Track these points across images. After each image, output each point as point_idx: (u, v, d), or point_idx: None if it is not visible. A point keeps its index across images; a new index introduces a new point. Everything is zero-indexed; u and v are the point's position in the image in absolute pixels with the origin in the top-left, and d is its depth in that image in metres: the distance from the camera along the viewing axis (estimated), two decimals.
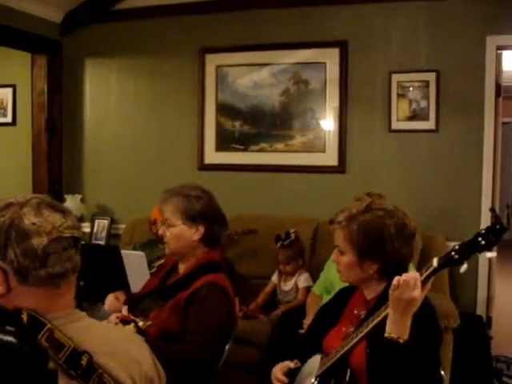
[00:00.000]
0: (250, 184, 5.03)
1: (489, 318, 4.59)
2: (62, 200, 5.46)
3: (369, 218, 2.15)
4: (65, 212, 1.54)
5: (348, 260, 2.20)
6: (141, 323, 2.29)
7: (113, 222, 5.45)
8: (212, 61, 5.09)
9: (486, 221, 4.40)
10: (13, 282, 1.48)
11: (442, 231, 4.36)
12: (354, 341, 2.00)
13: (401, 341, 1.85)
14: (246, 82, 5.00)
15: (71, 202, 5.37)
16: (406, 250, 2.18)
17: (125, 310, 2.49)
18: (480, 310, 4.48)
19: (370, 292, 2.26)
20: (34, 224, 1.46)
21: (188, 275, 2.58)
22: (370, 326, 1.96)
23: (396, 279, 1.84)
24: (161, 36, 5.28)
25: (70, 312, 1.52)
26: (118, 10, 5.38)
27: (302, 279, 4.26)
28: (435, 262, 1.85)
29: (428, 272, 1.86)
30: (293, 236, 4.26)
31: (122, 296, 2.86)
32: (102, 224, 5.47)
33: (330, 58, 4.77)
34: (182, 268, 2.68)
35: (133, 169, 5.43)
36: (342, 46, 4.73)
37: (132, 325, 2.28)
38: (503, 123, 5.08)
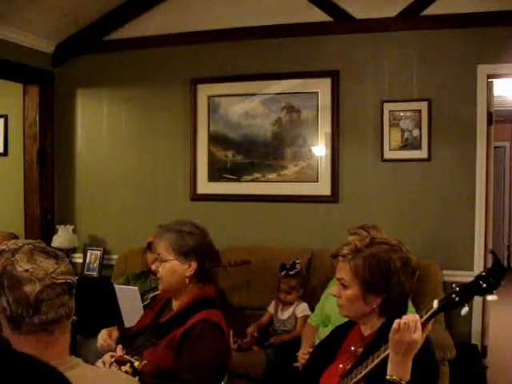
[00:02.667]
0: (242, 214, 5.02)
1: (484, 348, 4.56)
2: (54, 231, 5.43)
3: (374, 251, 2.16)
4: (58, 257, 1.53)
5: (352, 293, 2.20)
6: (136, 363, 2.26)
7: (105, 252, 5.41)
8: (203, 91, 5.10)
9: (479, 250, 4.41)
10: (6, 330, 1.46)
11: (438, 260, 4.35)
12: (354, 380, 1.98)
13: (403, 383, 1.85)
14: (238, 111, 5.01)
15: (63, 232, 5.33)
16: (409, 285, 2.19)
17: (119, 350, 2.45)
18: (475, 339, 4.46)
19: (368, 328, 2.25)
20: (26, 271, 1.45)
21: (182, 312, 2.55)
22: (370, 366, 1.95)
23: (396, 322, 1.84)
24: (152, 66, 5.29)
25: (65, 360, 1.50)
26: (110, 40, 5.40)
27: (301, 309, 4.24)
28: (435, 304, 1.85)
29: (428, 314, 1.86)
30: (298, 267, 4.25)
31: (115, 332, 2.83)
32: (94, 255, 5.43)
33: (322, 88, 4.80)
34: (176, 304, 2.65)
35: (125, 199, 5.41)
36: (334, 75, 4.76)
37: (128, 365, 2.24)
38: (495, 147, 5.11)
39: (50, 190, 5.62)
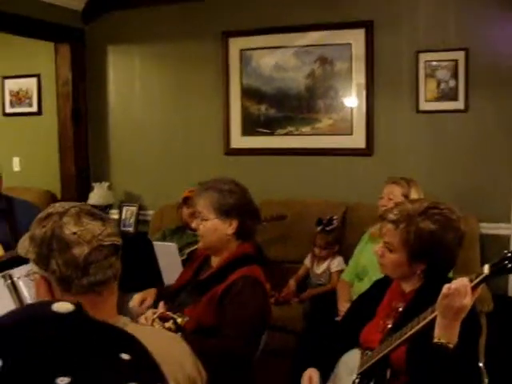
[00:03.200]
0: (276, 168, 5.00)
1: None
2: (90, 188, 5.49)
3: (430, 224, 2.12)
4: (104, 219, 1.54)
5: (397, 258, 2.19)
6: (179, 320, 2.29)
7: (141, 208, 5.47)
8: (235, 44, 5.04)
9: None
10: (56, 291, 1.49)
11: (474, 213, 4.30)
12: (398, 341, 1.99)
13: (450, 346, 1.84)
14: (271, 64, 4.95)
15: (99, 189, 5.39)
16: (456, 254, 2.17)
17: (161, 307, 2.50)
18: None
19: (409, 285, 2.26)
20: (74, 233, 1.46)
21: (222, 269, 2.58)
22: (416, 328, 1.95)
23: (446, 287, 1.81)
24: (183, 21, 5.24)
25: (115, 319, 1.53)
26: None
27: (336, 263, 4.24)
28: (486, 269, 1.82)
29: (478, 279, 1.83)
30: (335, 223, 4.21)
31: (149, 299, 2.83)
32: (130, 211, 5.49)
33: (356, 39, 4.70)
34: (215, 261, 2.68)
35: (159, 155, 5.43)
36: (368, 26, 4.64)
37: (171, 322, 2.28)
38: None
39: (84, 148, 5.67)
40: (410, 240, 2.14)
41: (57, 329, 0.79)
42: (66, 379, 0.70)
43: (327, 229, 4.23)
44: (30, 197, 4.66)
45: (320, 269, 4.29)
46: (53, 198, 5.65)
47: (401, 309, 2.23)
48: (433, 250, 2.13)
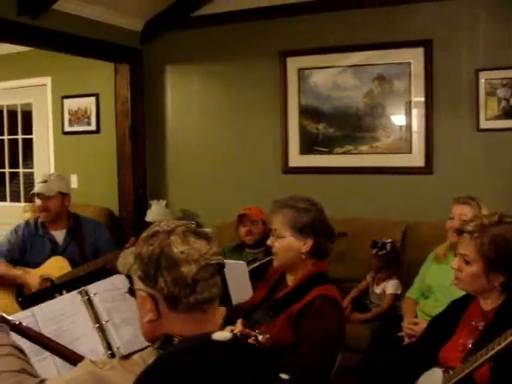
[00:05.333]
0: (335, 186, 5.01)
1: None
2: (147, 205, 5.57)
3: (502, 231, 2.14)
4: (208, 239, 1.58)
5: (474, 270, 2.19)
6: (260, 337, 2.30)
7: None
8: (293, 64, 5.09)
9: None
10: (163, 308, 1.52)
11: None
12: (482, 360, 1.98)
13: None
14: (329, 83, 4.99)
15: (156, 207, 5.46)
16: None
17: (240, 324, 2.51)
18: None
19: (488, 303, 2.25)
20: (182, 252, 1.50)
21: (298, 287, 2.59)
22: (500, 346, 1.93)
23: None
24: (241, 41, 5.31)
25: None
26: (198, 16, 5.44)
27: (390, 285, 4.22)
28: None
29: None
30: (388, 247, 4.21)
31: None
32: None
33: (415, 58, 4.71)
34: (291, 279, 2.69)
35: (216, 173, 5.49)
36: (427, 44, 4.65)
37: (252, 339, 2.30)
38: None
39: (142, 166, 5.77)
40: (485, 249, 2.16)
41: (222, 353, 0.84)
42: None
43: (380, 253, 4.22)
44: (88, 214, 4.74)
45: (378, 289, 4.28)
46: (110, 215, 5.75)
47: (481, 327, 2.22)
48: (509, 256, 2.13)
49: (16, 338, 1.87)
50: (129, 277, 1.64)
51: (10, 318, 1.93)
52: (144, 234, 1.59)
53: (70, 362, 1.93)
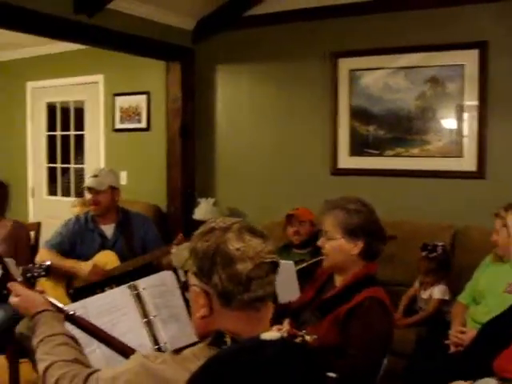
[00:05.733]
0: (384, 189, 4.95)
1: None
2: (195, 203, 5.61)
3: None
4: (264, 237, 1.58)
5: None
6: (308, 337, 2.30)
7: None
8: (344, 65, 5.06)
9: None
10: (216, 304, 1.53)
11: None
12: None
13: None
14: (380, 85, 4.94)
15: (204, 205, 5.50)
16: None
17: (287, 324, 2.51)
18: None
19: None
20: (238, 249, 1.50)
21: (347, 289, 2.57)
22: None
23: None
24: (292, 41, 5.30)
25: None
26: (250, 16, 5.45)
27: (437, 290, 4.16)
28: None
29: None
30: (439, 250, 4.15)
31: None
32: None
33: (469, 60, 4.62)
34: (339, 281, 2.67)
35: (265, 172, 5.50)
36: (482, 46, 4.56)
37: (299, 339, 2.29)
38: None
39: (191, 164, 5.81)
40: None
41: (272, 352, 0.86)
42: None
43: (430, 256, 4.17)
44: (137, 210, 4.79)
45: (425, 294, 4.22)
46: (158, 212, 5.80)
47: None
48: None
49: (69, 329, 1.90)
50: (177, 273, 1.65)
51: (65, 308, 1.97)
52: (199, 230, 1.60)
53: (122, 354, 1.96)
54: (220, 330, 1.50)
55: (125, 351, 1.94)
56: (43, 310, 1.85)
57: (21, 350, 3.81)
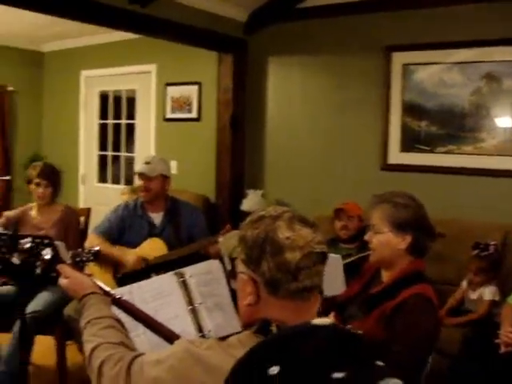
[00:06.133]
0: (434, 186, 4.88)
1: None
2: (243, 195, 5.62)
3: None
4: (314, 227, 1.56)
5: None
6: None
7: None
8: (398, 59, 5.00)
9: None
10: (263, 292, 1.52)
11: None
12: None
13: None
14: (434, 80, 4.85)
15: (253, 197, 5.51)
16: None
17: (332, 317, 2.50)
18: None
19: None
20: (287, 238, 1.49)
21: (394, 285, 2.54)
22: None
23: None
24: (345, 34, 5.27)
25: None
26: (303, 8, 5.43)
27: (487, 291, 4.08)
28: None
29: None
30: (492, 249, 4.07)
31: None
32: None
33: None
34: (386, 276, 2.64)
35: (314, 165, 5.48)
36: None
37: None
38: None
39: (241, 155, 5.83)
40: None
41: (325, 336, 0.85)
42: (341, 374, 0.78)
43: (482, 254, 4.09)
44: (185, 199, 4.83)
45: (474, 295, 4.14)
46: (207, 202, 5.84)
47: None
48: None
49: (116, 313, 1.92)
50: (223, 262, 1.65)
51: (112, 292, 1.99)
52: (249, 218, 1.60)
53: (167, 339, 1.97)
54: (266, 318, 1.50)
55: (170, 337, 1.95)
56: (91, 293, 1.88)
57: (68, 332, 3.89)
